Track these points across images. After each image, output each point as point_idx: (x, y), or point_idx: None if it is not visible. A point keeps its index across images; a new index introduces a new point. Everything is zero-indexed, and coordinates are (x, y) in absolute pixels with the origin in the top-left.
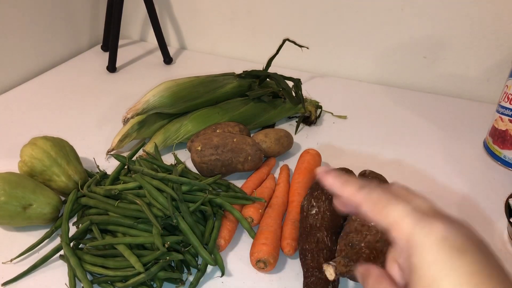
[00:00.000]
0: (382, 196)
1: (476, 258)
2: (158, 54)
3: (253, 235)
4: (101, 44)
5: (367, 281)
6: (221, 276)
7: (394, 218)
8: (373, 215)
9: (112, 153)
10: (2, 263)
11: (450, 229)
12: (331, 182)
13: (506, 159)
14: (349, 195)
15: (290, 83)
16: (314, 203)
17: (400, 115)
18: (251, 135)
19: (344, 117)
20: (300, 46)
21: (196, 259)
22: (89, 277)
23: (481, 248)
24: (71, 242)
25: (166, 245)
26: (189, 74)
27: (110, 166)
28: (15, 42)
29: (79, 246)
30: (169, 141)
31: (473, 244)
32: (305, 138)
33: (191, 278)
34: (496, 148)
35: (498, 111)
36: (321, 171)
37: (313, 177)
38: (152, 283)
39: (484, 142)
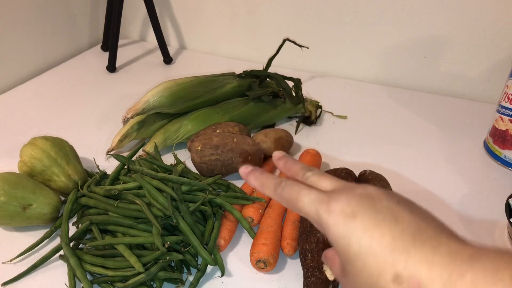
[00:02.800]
0: (292, 191)
1: (370, 218)
2: (158, 54)
3: (253, 235)
4: (101, 44)
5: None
6: (221, 276)
7: (305, 209)
8: (293, 210)
9: (112, 153)
10: (2, 263)
11: (349, 200)
12: (252, 184)
13: (506, 159)
14: (269, 195)
15: (290, 83)
16: None
17: (400, 115)
18: (251, 135)
19: (344, 117)
20: (300, 46)
21: (196, 259)
22: (89, 277)
23: (383, 207)
24: (71, 242)
25: (166, 245)
26: (189, 74)
27: (110, 166)
28: (15, 42)
29: (79, 246)
30: (169, 141)
31: (372, 205)
32: (305, 138)
33: (191, 278)
34: (496, 148)
35: (498, 111)
36: (243, 171)
37: None
38: (152, 283)
39: (484, 142)
